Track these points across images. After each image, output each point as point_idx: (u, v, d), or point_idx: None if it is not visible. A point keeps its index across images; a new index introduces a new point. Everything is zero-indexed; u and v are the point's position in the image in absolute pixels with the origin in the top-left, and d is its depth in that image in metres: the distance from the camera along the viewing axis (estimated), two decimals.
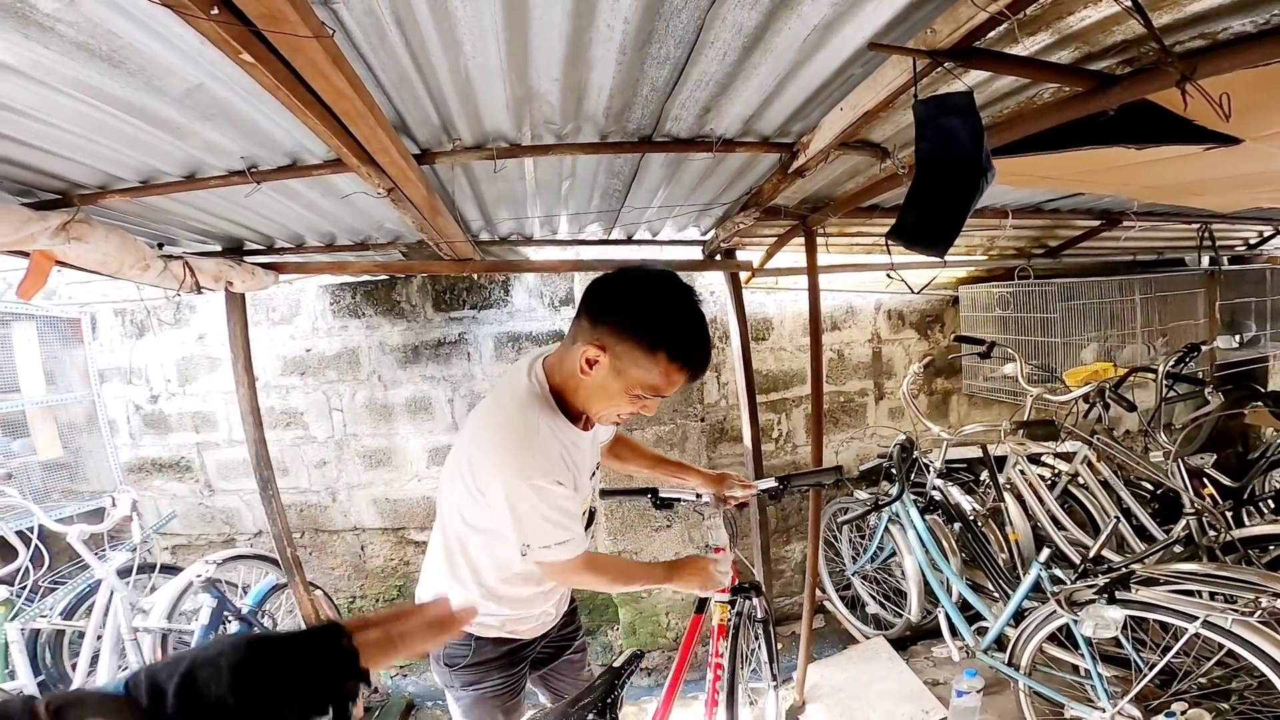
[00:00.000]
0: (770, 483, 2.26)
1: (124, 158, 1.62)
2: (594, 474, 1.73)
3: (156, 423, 3.79)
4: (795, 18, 1.23)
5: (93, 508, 3.47)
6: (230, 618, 2.68)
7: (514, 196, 2.30)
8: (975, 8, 1.06)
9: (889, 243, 1.49)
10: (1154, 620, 2.18)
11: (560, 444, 1.50)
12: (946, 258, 3.72)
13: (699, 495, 2.26)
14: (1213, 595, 2.10)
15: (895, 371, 4.28)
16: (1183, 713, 1.96)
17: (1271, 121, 1.56)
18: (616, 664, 1.64)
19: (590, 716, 1.50)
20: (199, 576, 2.65)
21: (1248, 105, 1.33)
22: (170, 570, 3.14)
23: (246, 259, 2.57)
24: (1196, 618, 1.93)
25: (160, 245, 2.29)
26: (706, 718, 2.05)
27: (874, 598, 3.71)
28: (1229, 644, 1.92)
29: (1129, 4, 1.05)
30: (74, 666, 2.83)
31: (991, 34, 1.17)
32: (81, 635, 2.79)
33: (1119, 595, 2.10)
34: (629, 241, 3.02)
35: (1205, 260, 4.06)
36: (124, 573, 2.77)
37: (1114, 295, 3.79)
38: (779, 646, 2.82)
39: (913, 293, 3.43)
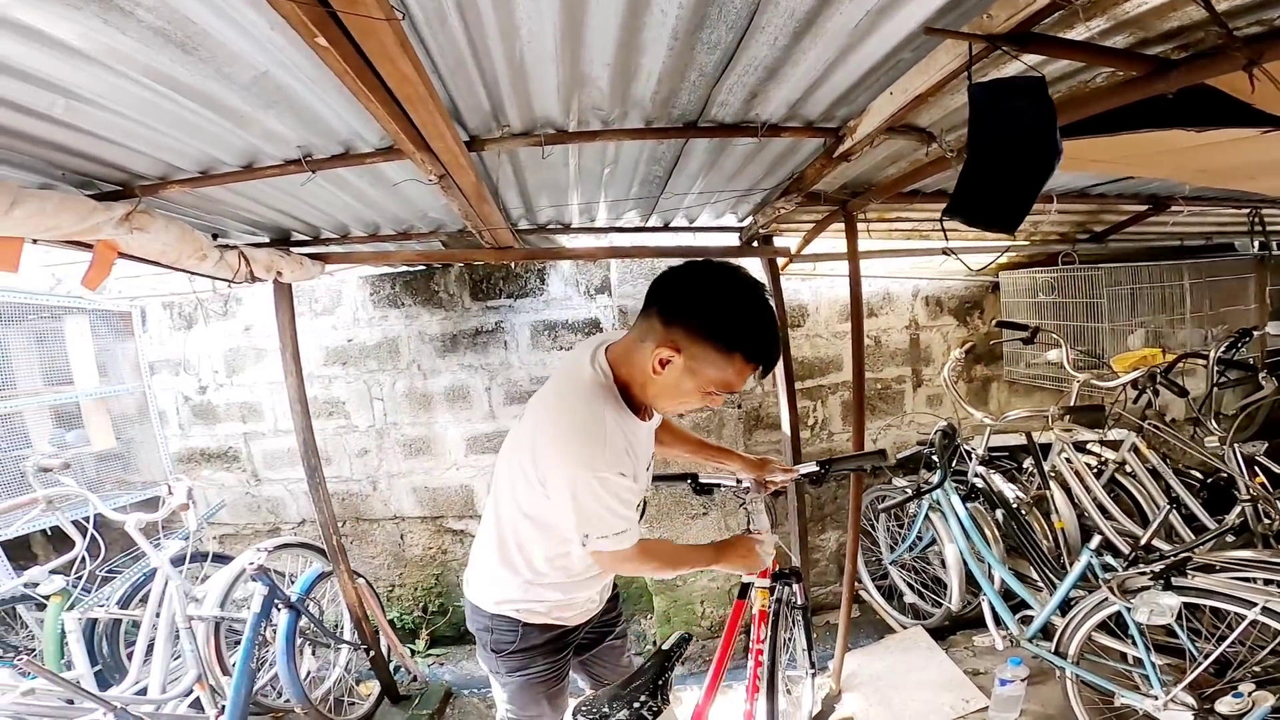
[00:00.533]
0: (812, 467, 2.25)
1: (185, 147, 1.66)
2: (649, 465, 1.73)
3: (205, 413, 3.89)
4: (849, 2, 1.23)
5: (145, 497, 3.56)
6: (280, 605, 2.72)
7: (556, 184, 2.32)
8: None
9: (944, 221, 1.49)
10: (1208, 607, 2.15)
11: (624, 437, 1.50)
12: (985, 243, 3.70)
13: (739, 480, 2.26)
14: (1266, 582, 2.06)
15: (933, 358, 4.22)
16: (1250, 693, 1.93)
17: None
18: (665, 646, 1.65)
19: (643, 698, 1.52)
20: (251, 564, 2.67)
21: None
22: (220, 559, 3.19)
23: (294, 250, 2.62)
24: (1255, 604, 1.91)
25: (215, 236, 2.34)
26: (747, 704, 2.06)
27: (911, 587, 3.68)
28: None
29: None
30: (129, 655, 2.86)
31: (1046, 20, 1.17)
32: (137, 624, 2.83)
33: (1175, 581, 2.07)
34: (665, 229, 3.01)
35: (1255, 245, 3.96)
36: (177, 561, 2.80)
37: (1161, 280, 3.70)
38: (814, 635, 2.82)
39: (971, 272, 3.42)
